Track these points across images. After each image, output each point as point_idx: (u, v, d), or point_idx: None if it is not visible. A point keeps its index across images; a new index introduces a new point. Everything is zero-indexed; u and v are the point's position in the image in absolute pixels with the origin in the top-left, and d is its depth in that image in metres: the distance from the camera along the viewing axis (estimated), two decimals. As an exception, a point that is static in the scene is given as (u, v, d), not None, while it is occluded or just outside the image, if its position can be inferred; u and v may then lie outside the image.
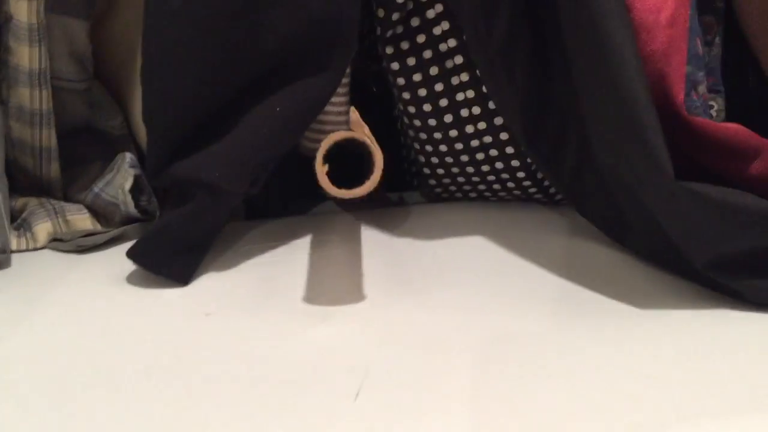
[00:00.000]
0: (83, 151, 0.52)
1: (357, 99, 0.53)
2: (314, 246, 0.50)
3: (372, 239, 0.51)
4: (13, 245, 0.47)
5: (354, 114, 0.45)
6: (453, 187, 0.56)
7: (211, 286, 0.44)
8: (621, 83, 0.36)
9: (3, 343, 0.38)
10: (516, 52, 0.43)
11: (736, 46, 0.51)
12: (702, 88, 0.48)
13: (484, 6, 0.41)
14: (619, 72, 0.36)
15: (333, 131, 0.53)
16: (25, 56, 0.45)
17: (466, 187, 0.55)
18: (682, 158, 0.39)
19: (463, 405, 0.30)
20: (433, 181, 0.55)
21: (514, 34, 0.42)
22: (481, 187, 0.54)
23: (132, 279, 0.44)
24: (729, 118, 0.51)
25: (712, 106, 0.51)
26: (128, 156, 0.49)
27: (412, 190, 0.62)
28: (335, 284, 0.44)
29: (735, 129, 0.40)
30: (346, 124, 0.53)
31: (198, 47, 0.41)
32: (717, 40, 0.51)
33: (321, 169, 0.43)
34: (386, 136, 0.52)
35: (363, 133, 0.44)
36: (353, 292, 0.43)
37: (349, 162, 0.48)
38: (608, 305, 0.40)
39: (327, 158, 0.45)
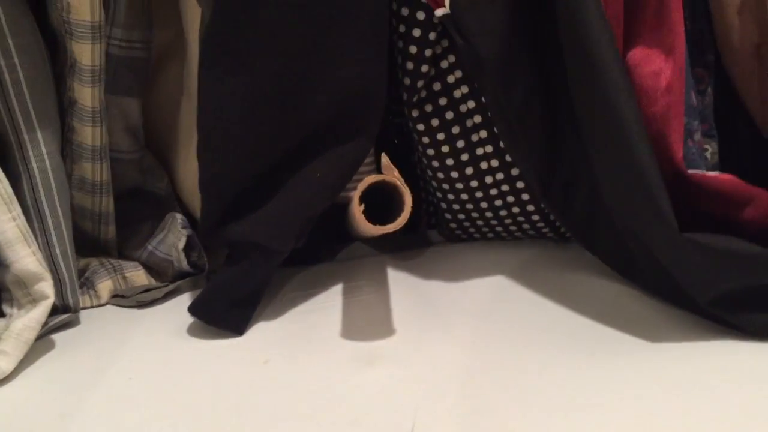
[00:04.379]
0: (135, 211, 0.57)
1: (379, 148, 0.58)
2: (349, 291, 0.55)
3: (400, 281, 0.56)
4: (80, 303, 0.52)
5: (385, 159, 0.50)
6: (472, 229, 0.60)
7: (264, 335, 0.48)
8: (628, 147, 0.41)
9: (81, 395, 0.42)
10: (531, 116, 0.48)
11: (727, 94, 0.56)
12: (697, 135, 0.53)
13: (501, 78, 0.46)
14: (625, 139, 0.41)
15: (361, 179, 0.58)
16: (88, 136, 0.50)
17: (485, 229, 0.60)
18: (685, 206, 0.45)
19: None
20: (453, 225, 0.60)
21: (529, 102, 0.47)
22: (498, 228, 0.59)
23: (192, 331, 0.49)
24: (723, 159, 0.57)
25: (706, 149, 0.56)
26: (179, 217, 0.54)
27: (431, 228, 0.67)
28: (374, 328, 0.49)
29: (729, 180, 0.45)
30: (374, 172, 0.58)
31: (248, 125, 0.46)
32: (709, 89, 0.56)
33: (358, 209, 0.48)
34: (406, 180, 0.58)
35: (394, 175, 0.49)
36: (391, 335, 0.47)
37: (378, 203, 0.53)
38: (618, 338, 0.44)
39: (362, 199, 0.50)
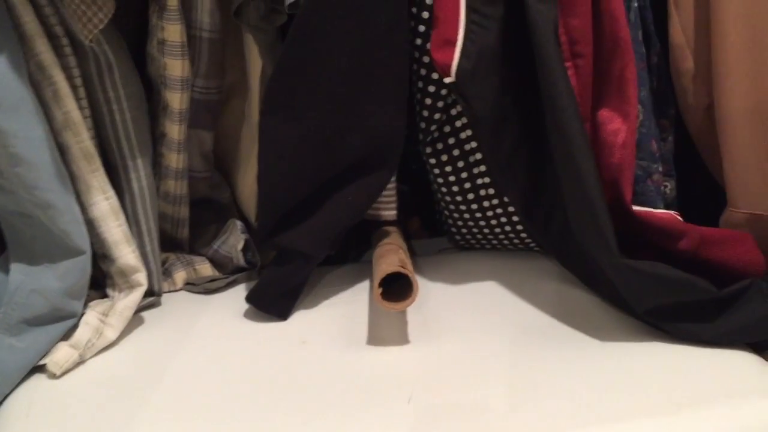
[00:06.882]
0: (203, 216, 0.71)
1: (401, 171, 0.72)
2: (370, 289, 0.68)
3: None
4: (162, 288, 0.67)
5: (402, 254, 0.62)
6: (473, 240, 0.74)
7: (303, 321, 0.62)
8: (584, 190, 0.54)
9: (163, 360, 0.57)
10: (518, 161, 0.61)
11: (687, 141, 0.68)
12: (656, 176, 0.66)
13: (493, 132, 0.59)
14: (582, 184, 0.54)
15: (383, 205, 0.72)
16: (174, 160, 0.65)
17: (483, 241, 0.73)
18: (634, 238, 0.57)
19: (493, 403, 0.49)
20: (458, 237, 0.74)
21: (516, 150, 0.60)
22: (494, 241, 0.73)
23: (247, 314, 0.63)
24: (681, 195, 0.69)
25: (666, 186, 0.68)
26: (239, 223, 0.68)
27: (442, 236, 0.81)
28: (389, 322, 0.62)
29: (668, 217, 0.58)
30: (394, 202, 0.72)
31: (296, 162, 0.60)
32: (670, 138, 0.68)
33: (377, 291, 0.57)
34: (424, 195, 0.72)
35: (406, 268, 0.59)
36: (401, 328, 0.61)
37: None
38: (575, 336, 0.58)
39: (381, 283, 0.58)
